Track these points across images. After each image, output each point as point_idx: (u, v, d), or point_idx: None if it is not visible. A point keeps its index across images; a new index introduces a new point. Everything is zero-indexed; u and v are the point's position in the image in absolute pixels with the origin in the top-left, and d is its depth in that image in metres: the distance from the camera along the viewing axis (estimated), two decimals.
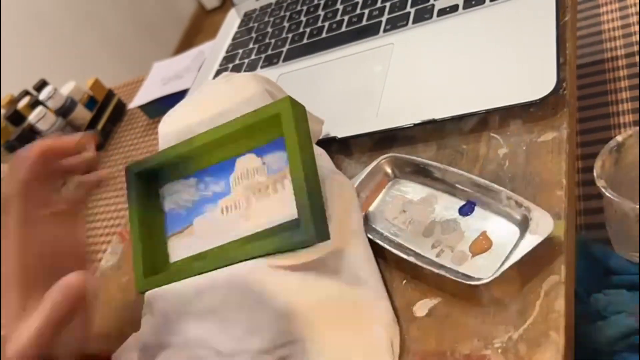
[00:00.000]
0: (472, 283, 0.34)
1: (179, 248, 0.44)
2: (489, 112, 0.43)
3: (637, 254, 0.42)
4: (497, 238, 0.37)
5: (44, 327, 0.32)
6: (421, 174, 0.43)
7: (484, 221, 0.38)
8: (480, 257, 0.36)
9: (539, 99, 0.41)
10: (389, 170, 0.45)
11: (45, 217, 0.40)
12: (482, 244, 0.37)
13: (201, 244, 0.42)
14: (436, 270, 0.36)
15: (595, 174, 0.40)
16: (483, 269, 0.36)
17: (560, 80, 0.41)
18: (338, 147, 0.51)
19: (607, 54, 0.60)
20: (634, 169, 0.42)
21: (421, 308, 0.37)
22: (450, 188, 0.41)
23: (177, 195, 0.45)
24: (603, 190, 0.39)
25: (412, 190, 0.43)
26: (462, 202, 0.40)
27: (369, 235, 0.41)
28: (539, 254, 0.34)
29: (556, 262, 0.34)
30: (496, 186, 0.38)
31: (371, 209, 0.44)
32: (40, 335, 0.32)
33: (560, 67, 0.42)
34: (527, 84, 0.43)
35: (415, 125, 0.46)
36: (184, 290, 0.39)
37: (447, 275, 0.36)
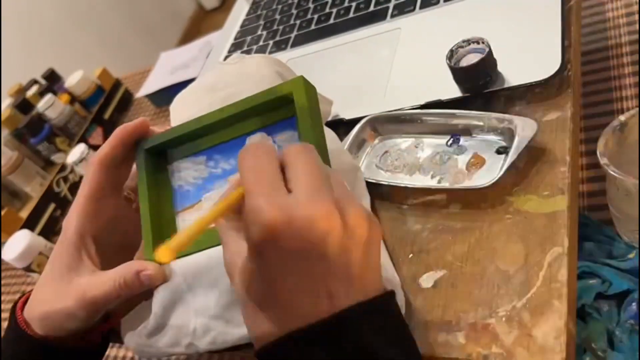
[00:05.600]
0: (479, 186, 0.38)
1: (188, 223, 0.44)
2: (495, 93, 0.44)
3: (639, 232, 0.43)
4: (489, 155, 0.41)
5: (112, 292, 0.39)
6: (401, 126, 0.47)
7: (472, 146, 0.42)
8: (478, 173, 0.40)
9: (544, 80, 0.42)
10: (371, 131, 0.48)
11: (114, 196, 0.44)
12: (476, 163, 0.40)
13: None
14: (441, 187, 0.40)
15: (598, 152, 0.41)
16: (484, 181, 0.39)
17: (565, 62, 0.42)
18: (346, 128, 0.52)
19: (611, 41, 0.61)
20: (637, 148, 0.42)
21: (427, 280, 0.38)
22: (432, 131, 0.45)
23: (186, 172, 0.46)
24: (606, 167, 0.40)
25: (398, 143, 0.47)
26: (446, 139, 0.43)
27: (373, 180, 0.43)
28: (544, 227, 0.35)
29: (559, 234, 0.35)
30: (476, 112, 0.41)
31: (364, 167, 0.47)
32: (107, 294, 0.39)
33: (565, 49, 0.43)
34: (532, 65, 0.43)
35: (422, 106, 0.47)
36: (194, 263, 0.40)
37: (454, 188, 0.39)
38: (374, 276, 0.30)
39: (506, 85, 0.43)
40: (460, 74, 0.44)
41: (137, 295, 0.43)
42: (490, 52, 0.43)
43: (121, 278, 0.39)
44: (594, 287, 0.47)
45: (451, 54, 0.45)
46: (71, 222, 0.42)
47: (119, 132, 0.44)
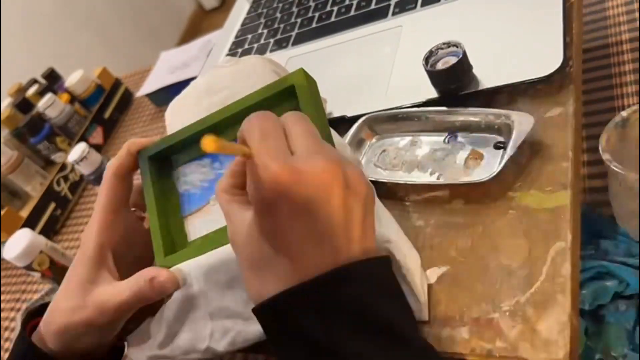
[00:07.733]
0: (480, 180, 0.38)
1: (197, 226, 0.44)
2: (496, 90, 0.44)
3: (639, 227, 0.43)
4: (487, 150, 0.41)
5: (129, 300, 0.38)
6: (398, 124, 0.47)
7: (470, 142, 0.42)
8: (477, 169, 0.40)
9: (546, 76, 0.42)
10: (368, 131, 0.49)
11: (126, 208, 0.45)
12: (474, 158, 0.40)
13: (220, 221, 0.43)
14: (442, 183, 0.40)
15: (600, 148, 0.41)
16: (483, 176, 0.39)
17: (566, 58, 0.42)
18: (347, 126, 0.52)
19: (611, 38, 0.61)
20: (638, 144, 0.43)
21: (431, 275, 0.38)
22: (429, 128, 0.45)
23: (192, 176, 0.45)
24: (608, 163, 0.40)
25: (396, 142, 0.47)
26: (444, 136, 0.44)
27: (373, 178, 0.44)
28: (547, 222, 0.36)
29: (562, 229, 0.35)
30: (473, 109, 0.42)
31: (363, 164, 0.47)
32: (125, 303, 0.38)
33: (566, 45, 0.43)
34: (534, 61, 0.43)
35: (424, 103, 0.47)
36: (204, 265, 0.40)
37: (455, 183, 0.40)
38: (372, 236, 0.31)
39: (508, 82, 0.43)
40: (432, 76, 0.45)
41: (146, 313, 0.43)
42: (462, 58, 0.43)
43: (136, 286, 0.39)
44: (611, 289, 0.47)
45: (429, 54, 0.45)
46: (90, 234, 0.42)
47: (130, 144, 0.44)
